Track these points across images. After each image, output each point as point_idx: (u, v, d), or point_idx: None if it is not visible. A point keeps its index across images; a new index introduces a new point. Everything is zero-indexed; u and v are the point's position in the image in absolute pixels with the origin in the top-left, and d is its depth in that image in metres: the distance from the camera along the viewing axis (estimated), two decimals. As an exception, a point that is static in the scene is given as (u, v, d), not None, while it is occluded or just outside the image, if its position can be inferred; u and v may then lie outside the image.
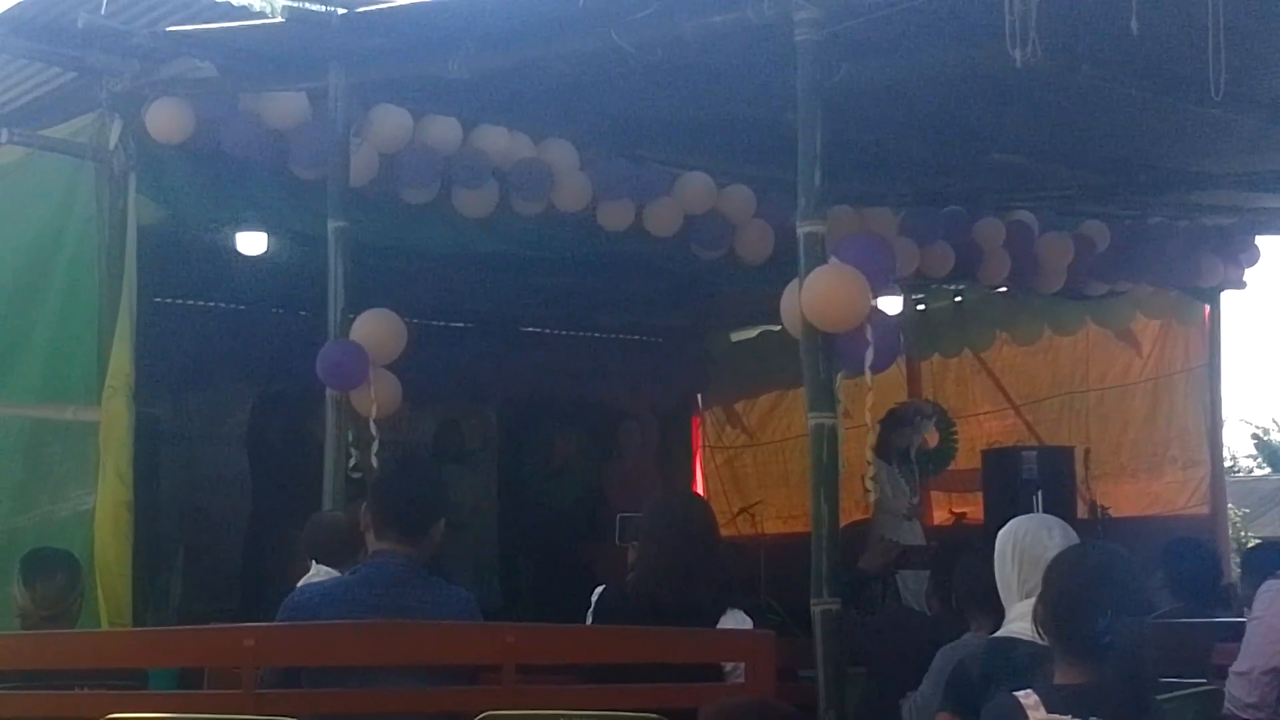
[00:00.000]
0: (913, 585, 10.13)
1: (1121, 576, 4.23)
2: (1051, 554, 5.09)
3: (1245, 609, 6.64)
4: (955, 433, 13.45)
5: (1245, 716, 5.94)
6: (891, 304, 10.01)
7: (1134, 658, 4.10)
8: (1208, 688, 6.00)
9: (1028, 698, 4.00)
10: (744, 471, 15.63)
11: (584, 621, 5.94)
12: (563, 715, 5.16)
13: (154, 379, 8.56)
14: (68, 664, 5.67)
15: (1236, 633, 6.58)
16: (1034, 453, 12.49)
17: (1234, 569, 11.19)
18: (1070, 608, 4.11)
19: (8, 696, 5.33)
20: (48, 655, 5.67)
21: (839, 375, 6.25)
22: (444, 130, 8.76)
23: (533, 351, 14.18)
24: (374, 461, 7.56)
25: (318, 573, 6.67)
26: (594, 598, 6.02)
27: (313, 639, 5.33)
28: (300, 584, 6.19)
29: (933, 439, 13.32)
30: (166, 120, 8.05)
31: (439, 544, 5.52)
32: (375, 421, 7.72)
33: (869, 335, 6.08)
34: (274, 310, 12.18)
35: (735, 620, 5.81)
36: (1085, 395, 13.60)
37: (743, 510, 14.28)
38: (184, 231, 8.82)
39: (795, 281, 6.15)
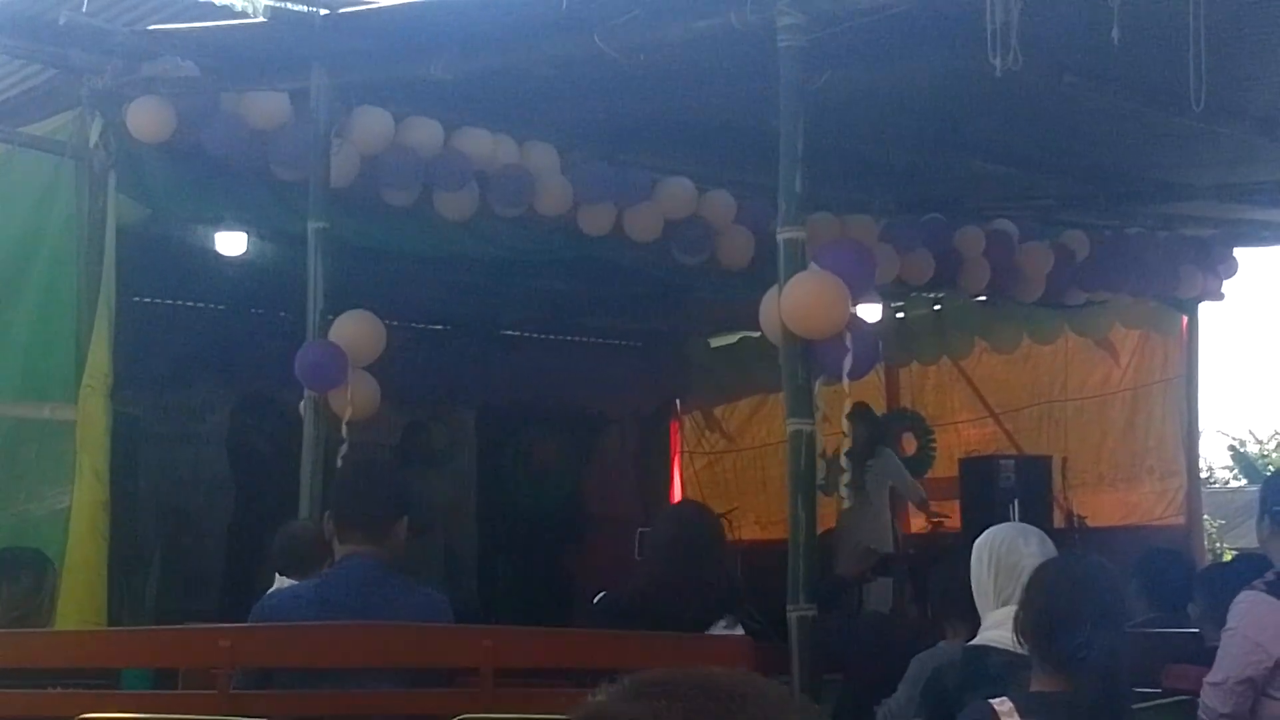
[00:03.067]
0: (876, 590, 10.18)
1: (1105, 590, 4.24)
2: (1028, 562, 5.12)
3: (1208, 627, 6.65)
4: (933, 440, 13.47)
5: (1219, 727, 5.94)
6: (871, 311, 10.03)
7: (1111, 669, 4.11)
8: (1182, 698, 6.01)
9: (1002, 704, 4.01)
10: (724, 477, 15.62)
11: (564, 624, 5.96)
12: (540, 719, 5.14)
13: (132, 378, 8.54)
14: (41, 663, 5.65)
15: (1190, 653, 6.59)
16: (1012, 461, 12.50)
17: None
18: (1053, 620, 4.12)
19: (-20, 696, 5.31)
20: (21, 654, 5.64)
21: (818, 382, 6.26)
22: (425, 132, 8.75)
23: (512, 355, 14.16)
24: (339, 464, 7.55)
25: (282, 584, 6.64)
26: (594, 603, 6.08)
27: (288, 640, 5.31)
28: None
29: (910, 446, 13.35)
30: (147, 119, 8.02)
31: (405, 542, 5.50)
32: (353, 423, 7.71)
33: (848, 342, 6.09)
34: (253, 311, 12.15)
35: (725, 627, 5.86)
36: (1064, 404, 13.62)
37: (720, 516, 14.26)
38: (164, 231, 8.80)
39: (775, 288, 6.16)
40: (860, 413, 12.51)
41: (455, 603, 5.68)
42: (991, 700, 4.05)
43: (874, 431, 12.06)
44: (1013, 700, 4.03)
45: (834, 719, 6.32)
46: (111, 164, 8.02)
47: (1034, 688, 4.13)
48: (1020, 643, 4.25)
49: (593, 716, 1.76)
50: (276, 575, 6.88)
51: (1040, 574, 4.35)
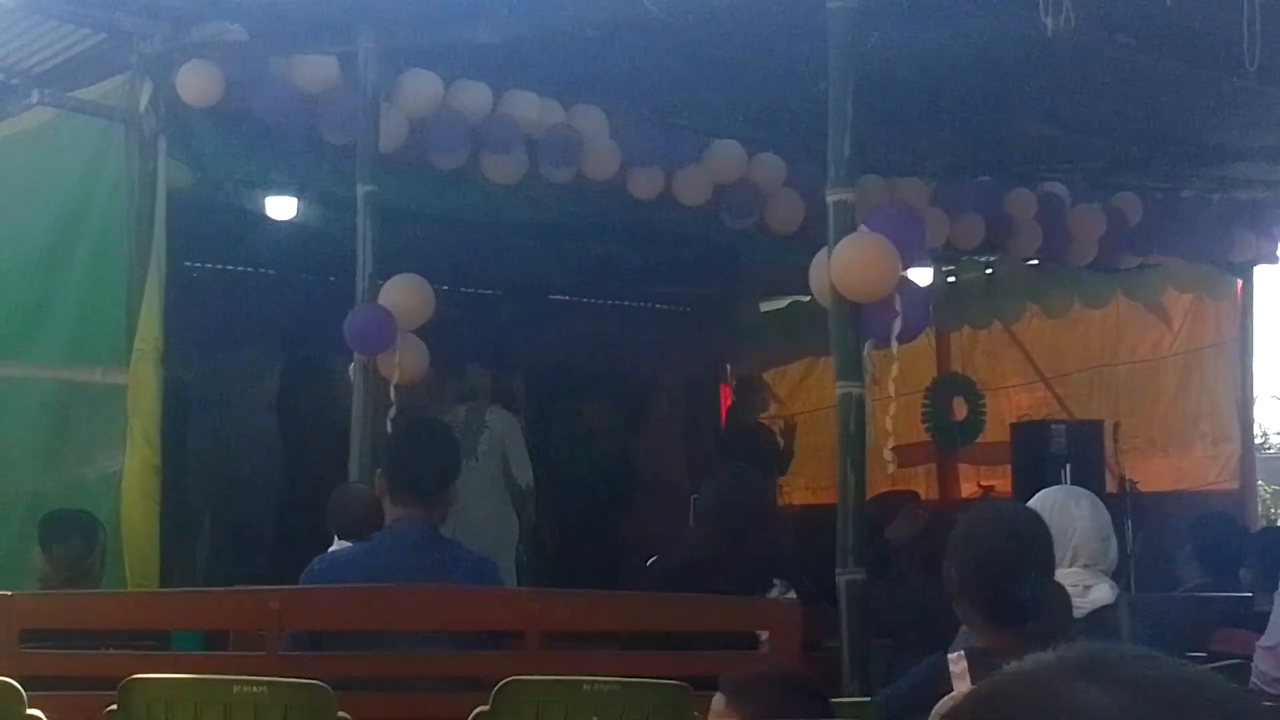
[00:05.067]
0: None
1: (1040, 539, 4.20)
2: (1079, 525, 5.10)
3: (1260, 592, 6.61)
4: (983, 405, 13.39)
5: (1273, 691, 5.91)
6: (921, 275, 9.98)
7: (1054, 620, 4.07)
8: (1233, 662, 5.97)
9: (957, 663, 3.95)
10: (774, 441, 15.58)
11: (611, 589, 5.98)
12: (586, 681, 5.15)
13: (183, 343, 8.57)
14: (93, 624, 5.69)
15: (1241, 618, 6.56)
16: (1063, 426, 12.43)
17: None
18: (995, 573, 4.06)
19: (34, 656, 5.35)
20: (74, 615, 5.68)
21: (867, 345, 6.23)
22: (474, 96, 8.74)
23: (560, 319, 14.14)
24: (389, 427, 7.57)
25: (340, 548, 6.68)
26: (646, 567, 6.11)
27: (337, 602, 5.34)
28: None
29: (961, 411, 13.28)
30: (197, 83, 8.03)
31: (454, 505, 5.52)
32: (401, 387, 7.72)
33: (897, 305, 6.05)
34: (303, 275, 12.16)
35: (779, 592, 5.88)
36: (1115, 369, 13.54)
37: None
38: (213, 195, 8.82)
39: (824, 250, 6.13)
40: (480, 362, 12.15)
41: (500, 565, 5.70)
42: (949, 655, 4.00)
43: (497, 386, 11.67)
44: (968, 657, 3.98)
45: (883, 684, 6.30)
46: (161, 128, 8.03)
47: (981, 643, 4.08)
48: (955, 599, 4.18)
49: (1026, 687, 1.47)
50: (335, 538, 6.92)
51: (971, 530, 4.24)
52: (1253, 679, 5.91)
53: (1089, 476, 10.95)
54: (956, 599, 4.17)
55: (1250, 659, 6.02)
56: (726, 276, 13.56)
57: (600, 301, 14.64)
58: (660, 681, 5.13)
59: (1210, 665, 5.57)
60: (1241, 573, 7.21)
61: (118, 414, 7.83)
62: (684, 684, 5.10)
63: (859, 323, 6.10)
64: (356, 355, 7.81)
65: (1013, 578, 4.02)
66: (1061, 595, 4.20)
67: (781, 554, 6.24)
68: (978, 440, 13.41)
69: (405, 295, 7.86)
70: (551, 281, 13.84)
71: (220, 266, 12.02)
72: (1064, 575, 5.08)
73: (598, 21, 7.18)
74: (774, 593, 5.89)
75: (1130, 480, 12.23)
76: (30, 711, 4.67)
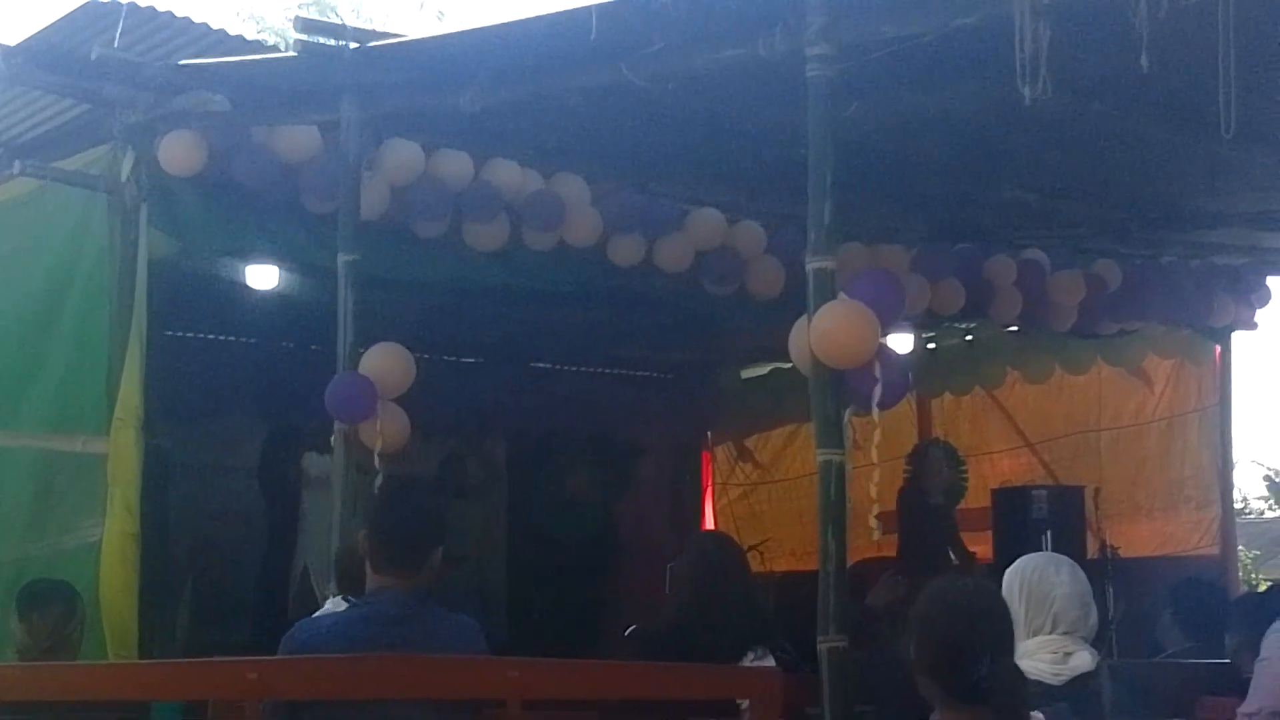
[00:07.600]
0: None
1: (996, 618, 4.19)
2: (1059, 592, 5.10)
3: (1243, 657, 6.60)
4: (964, 471, 13.39)
5: (1256, 758, 5.91)
6: (902, 342, 9.99)
7: (1011, 696, 4.07)
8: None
9: None
10: (757, 508, 15.58)
11: (595, 656, 5.96)
12: (567, 751, 5.13)
13: (164, 411, 8.55)
14: (70, 696, 5.64)
15: (1224, 684, 6.54)
16: (1044, 492, 12.44)
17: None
18: (951, 653, 4.06)
19: (11, 728, 5.32)
20: (50, 687, 5.64)
21: (848, 412, 6.23)
22: (455, 164, 8.77)
23: (542, 386, 14.16)
24: (376, 494, 7.55)
25: (324, 612, 6.62)
26: (625, 635, 6.09)
27: (316, 672, 5.30)
28: (316, 615, 6.16)
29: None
30: (179, 152, 8.06)
31: (439, 573, 5.48)
32: (382, 455, 7.70)
33: (877, 372, 6.06)
34: (284, 344, 12.17)
35: (755, 659, 5.86)
36: (1098, 434, 13.57)
37: (751, 549, 14.23)
38: (195, 264, 8.83)
39: (804, 317, 6.14)
40: None
41: (485, 634, 5.66)
42: None
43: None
44: None
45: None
46: (143, 198, 8.06)
47: (940, 718, 4.08)
48: (915, 675, 4.18)
49: None
50: (329, 599, 6.86)
51: (930, 606, 4.23)
52: (1236, 745, 5.91)
53: (1070, 542, 10.97)
54: (917, 675, 4.17)
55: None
56: (708, 343, 13.60)
57: (582, 368, 14.67)
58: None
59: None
60: (1226, 638, 7.19)
61: (99, 482, 7.81)
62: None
63: (839, 389, 6.11)
64: (337, 423, 7.80)
65: (967, 658, 4.02)
66: (1018, 675, 4.19)
67: (760, 620, 6.22)
68: (960, 506, 13.40)
69: (385, 363, 7.85)
70: (533, 349, 13.86)
71: (202, 335, 12.04)
72: (1044, 642, 5.09)
73: (578, 90, 7.20)
74: (748, 659, 5.87)
75: (1111, 546, 12.24)
76: (7, 784, 4.64)
